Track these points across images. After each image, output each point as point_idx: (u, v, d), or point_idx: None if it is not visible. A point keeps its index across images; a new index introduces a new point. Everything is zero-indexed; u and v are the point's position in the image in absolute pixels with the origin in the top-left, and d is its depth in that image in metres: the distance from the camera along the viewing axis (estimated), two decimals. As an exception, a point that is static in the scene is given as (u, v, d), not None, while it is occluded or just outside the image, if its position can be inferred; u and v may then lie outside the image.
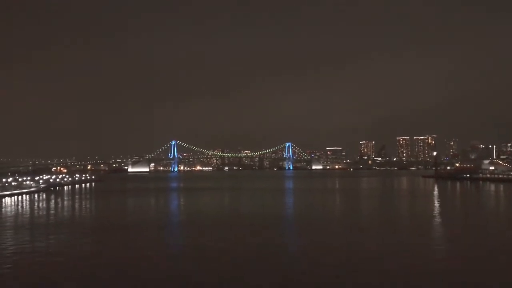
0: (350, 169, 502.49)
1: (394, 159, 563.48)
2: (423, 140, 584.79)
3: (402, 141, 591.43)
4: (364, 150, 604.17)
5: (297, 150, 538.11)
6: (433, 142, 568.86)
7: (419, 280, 30.00)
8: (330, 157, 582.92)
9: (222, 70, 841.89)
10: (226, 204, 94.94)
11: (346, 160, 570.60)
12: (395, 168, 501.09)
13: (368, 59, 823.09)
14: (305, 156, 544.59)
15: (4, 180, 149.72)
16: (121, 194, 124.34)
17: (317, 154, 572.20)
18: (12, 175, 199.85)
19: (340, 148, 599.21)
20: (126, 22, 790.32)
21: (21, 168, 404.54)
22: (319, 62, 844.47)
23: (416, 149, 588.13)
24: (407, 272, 31.96)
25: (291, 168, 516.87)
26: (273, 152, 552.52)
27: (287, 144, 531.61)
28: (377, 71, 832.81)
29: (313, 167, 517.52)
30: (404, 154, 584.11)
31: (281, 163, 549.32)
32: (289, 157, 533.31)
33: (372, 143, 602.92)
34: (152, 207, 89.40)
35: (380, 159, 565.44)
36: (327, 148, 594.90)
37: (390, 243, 43.59)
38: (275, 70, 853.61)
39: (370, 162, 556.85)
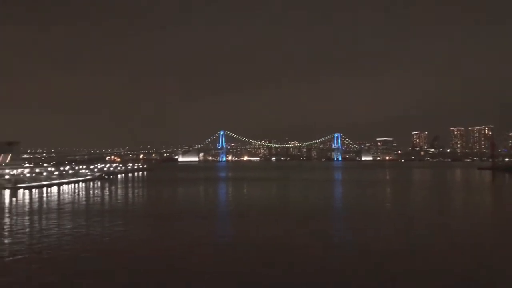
0: (401, 161, 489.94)
1: (448, 150, 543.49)
2: (478, 130, 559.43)
3: (457, 131, 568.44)
4: (416, 140, 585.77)
5: (346, 141, 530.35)
6: (490, 133, 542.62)
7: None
8: (380, 148, 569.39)
9: (272, 61, 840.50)
10: (274, 194, 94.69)
11: (397, 151, 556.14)
12: (449, 160, 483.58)
13: (419, 47, 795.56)
14: (354, 146, 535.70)
15: (61, 168, 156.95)
16: (172, 183, 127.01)
17: (367, 145, 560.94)
18: (69, 163, 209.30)
19: (391, 138, 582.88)
20: (176, 14, 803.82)
21: (77, 157, 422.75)
22: (369, 51, 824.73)
23: (472, 140, 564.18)
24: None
25: (340, 159, 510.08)
26: (321, 142, 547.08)
27: (335, 135, 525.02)
28: (429, 58, 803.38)
29: (363, 158, 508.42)
30: (459, 145, 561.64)
31: (329, 154, 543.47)
32: (337, 148, 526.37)
33: (425, 134, 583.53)
34: (202, 197, 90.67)
35: (433, 150, 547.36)
36: (377, 139, 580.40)
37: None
38: (324, 60, 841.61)
39: (422, 153, 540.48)
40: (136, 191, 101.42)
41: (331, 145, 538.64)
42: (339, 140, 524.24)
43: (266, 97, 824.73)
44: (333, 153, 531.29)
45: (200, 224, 50.01)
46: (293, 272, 29.25)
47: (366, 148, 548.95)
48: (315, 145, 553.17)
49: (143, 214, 60.43)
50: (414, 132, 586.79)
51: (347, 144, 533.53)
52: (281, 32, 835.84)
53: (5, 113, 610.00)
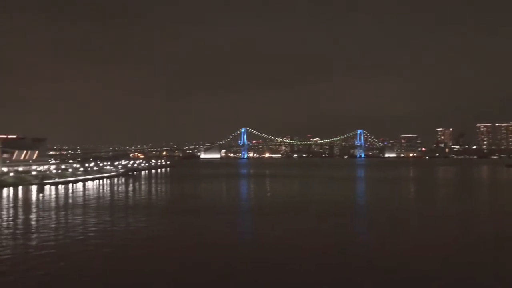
0: (425, 158, 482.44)
1: (474, 147, 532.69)
2: (506, 127, 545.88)
3: (483, 128, 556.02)
4: (441, 137, 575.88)
5: (369, 138, 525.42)
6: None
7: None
8: (404, 145, 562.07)
9: (294, 59, 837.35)
10: (295, 191, 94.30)
11: (421, 148, 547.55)
12: (475, 157, 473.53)
13: (445, 44, 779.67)
14: (378, 143, 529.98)
15: (87, 165, 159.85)
16: (194, 180, 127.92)
17: (391, 141, 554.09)
18: (94, 160, 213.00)
19: (415, 135, 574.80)
20: (202, 15, 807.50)
21: (102, 153, 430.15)
22: (393, 47, 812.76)
23: (499, 137, 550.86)
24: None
25: (363, 156, 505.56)
26: (343, 139, 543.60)
27: (358, 131, 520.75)
28: (455, 54, 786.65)
29: (386, 155, 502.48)
30: (485, 142, 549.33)
31: (352, 151, 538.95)
32: (360, 145, 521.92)
33: (450, 130, 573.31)
34: (223, 193, 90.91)
35: (458, 147, 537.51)
36: (401, 136, 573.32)
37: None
38: (347, 57, 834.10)
39: (447, 150, 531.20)
40: (159, 187, 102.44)
41: (354, 142, 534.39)
42: (362, 137, 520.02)
43: (288, 94, 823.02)
44: (356, 150, 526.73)
45: (221, 220, 50.17)
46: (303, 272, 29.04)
47: (390, 145, 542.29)
48: (338, 142, 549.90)
49: (166, 210, 60.99)
50: (438, 129, 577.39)
51: (370, 141, 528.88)
52: (305, 32, 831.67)
53: (32, 111, 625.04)
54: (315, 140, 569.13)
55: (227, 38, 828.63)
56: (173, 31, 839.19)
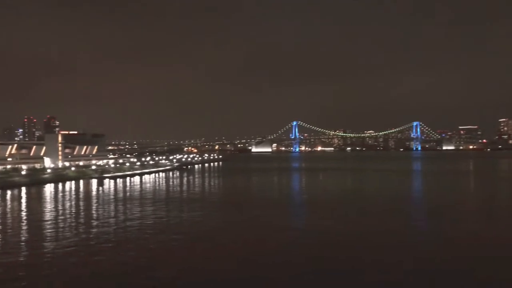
0: (486, 150, 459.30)
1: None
2: None
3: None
4: (504, 128, 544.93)
5: (426, 130, 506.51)
6: None
7: None
8: (463, 136, 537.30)
9: (345, 50, 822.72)
10: (348, 185, 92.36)
11: (482, 140, 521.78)
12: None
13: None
14: (435, 135, 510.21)
15: (143, 159, 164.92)
16: (246, 173, 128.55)
17: (449, 133, 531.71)
18: (150, 154, 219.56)
19: (476, 126, 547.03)
20: (252, 14, 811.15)
21: (157, 148, 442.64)
22: (453, 33, 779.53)
23: None
24: None
25: (419, 148, 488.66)
26: (399, 131, 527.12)
27: (414, 123, 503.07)
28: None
29: (444, 148, 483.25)
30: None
31: (407, 143, 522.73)
32: (417, 137, 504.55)
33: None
34: (275, 186, 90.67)
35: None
36: (460, 127, 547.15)
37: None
38: (400, 46, 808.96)
39: (511, 141, 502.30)
40: (212, 180, 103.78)
41: (410, 134, 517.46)
42: (418, 129, 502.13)
43: (340, 86, 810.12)
44: (412, 143, 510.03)
45: (274, 212, 49.93)
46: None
47: (448, 137, 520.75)
48: (393, 135, 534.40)
49: (219, 202, 61.64)
50: (501, 120, 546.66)
51: (426, 133, 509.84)
52: (360, 28, 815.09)
53: (92, 107, 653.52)
54: (369, 133, 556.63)
55: (282, 34, 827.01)
56: (229, 29, 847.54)
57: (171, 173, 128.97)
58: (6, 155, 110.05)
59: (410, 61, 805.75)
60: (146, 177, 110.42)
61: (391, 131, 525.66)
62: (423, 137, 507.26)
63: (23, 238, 37.80)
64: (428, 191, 77.34)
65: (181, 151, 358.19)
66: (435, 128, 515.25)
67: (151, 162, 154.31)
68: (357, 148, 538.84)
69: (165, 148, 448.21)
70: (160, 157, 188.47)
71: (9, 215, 50.26)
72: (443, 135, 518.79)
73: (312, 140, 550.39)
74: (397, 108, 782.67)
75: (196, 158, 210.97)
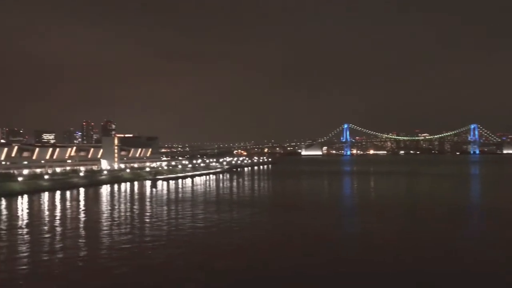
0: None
1: None
2: None
3: None
4: None
5: (485, 133, 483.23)
6: None
7: None
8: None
9: (397, 49, 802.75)
10: (401, 189, 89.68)
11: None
12: None
13: None
14: (495, 139, 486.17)
15: (194, 162, 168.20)
16: (296, 176, 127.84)
17: (510, 136, 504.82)
18: (201, 157, 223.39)
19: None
20: (292, 16, 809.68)
21: (208, 151, 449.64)
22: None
23: None
24: None
25: (477, 152, 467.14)
26: (455, 135, 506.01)
27: (472, 126, 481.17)
28: None
29: (505, 151, 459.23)
30: None
31: (464, 146, 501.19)
32: (474, 140, 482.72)
33: None
34: (326, 190, 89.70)
35: None
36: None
37: None
38: (461, 45, 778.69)
39: None
40: (262, 183, 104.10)
41: (467, 138, 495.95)
42: (476, 132, 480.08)
43: (393, 87, 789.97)
44: (469, 146, 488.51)
45: (323, 215, 49.51)
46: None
47: (509, 140, 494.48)
48: (449, 138, 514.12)
49: (269, 205, 61.78)
50: None
51: (485, 136, 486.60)
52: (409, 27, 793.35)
53: (146, 111, 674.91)
54: (423, 136, 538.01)
55: (334, 38, 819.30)
56: (271, 30, 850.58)
57: (221, 175, 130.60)
58: (66, 157, 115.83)
59: (465, 57, 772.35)
60: (197, 179, 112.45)
61: (446, 134, 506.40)
62: (481, 140, 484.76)
63: (104, 232, 39.64)
64: (483, 197, 73.75)
65: (231, 154, 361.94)
66: (495, 131, 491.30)
67: (202, 165, 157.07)
68: (411, 152, 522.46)
69: (216, 151, 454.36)
70: (211, 160, 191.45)
71: (81, 214, 52.88)
72: (504, 138, 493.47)
73: (364, 143, 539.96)
74: (454, 110, 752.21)
75: (245, 161, 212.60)
